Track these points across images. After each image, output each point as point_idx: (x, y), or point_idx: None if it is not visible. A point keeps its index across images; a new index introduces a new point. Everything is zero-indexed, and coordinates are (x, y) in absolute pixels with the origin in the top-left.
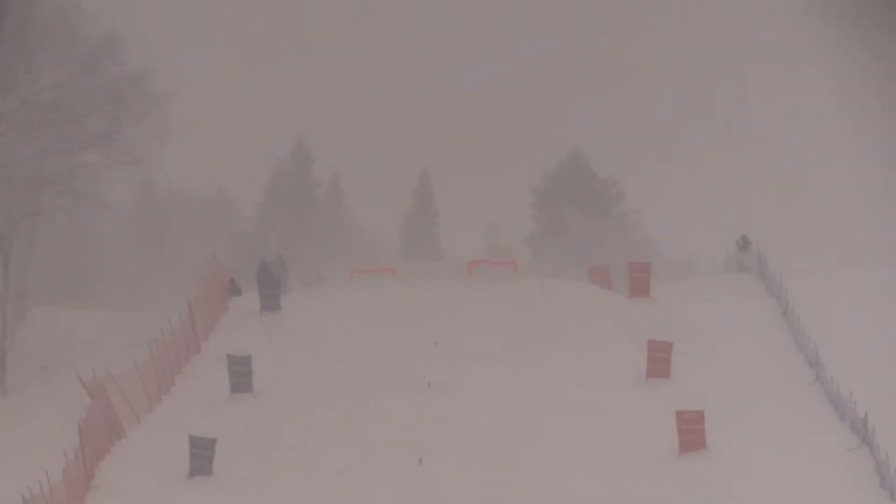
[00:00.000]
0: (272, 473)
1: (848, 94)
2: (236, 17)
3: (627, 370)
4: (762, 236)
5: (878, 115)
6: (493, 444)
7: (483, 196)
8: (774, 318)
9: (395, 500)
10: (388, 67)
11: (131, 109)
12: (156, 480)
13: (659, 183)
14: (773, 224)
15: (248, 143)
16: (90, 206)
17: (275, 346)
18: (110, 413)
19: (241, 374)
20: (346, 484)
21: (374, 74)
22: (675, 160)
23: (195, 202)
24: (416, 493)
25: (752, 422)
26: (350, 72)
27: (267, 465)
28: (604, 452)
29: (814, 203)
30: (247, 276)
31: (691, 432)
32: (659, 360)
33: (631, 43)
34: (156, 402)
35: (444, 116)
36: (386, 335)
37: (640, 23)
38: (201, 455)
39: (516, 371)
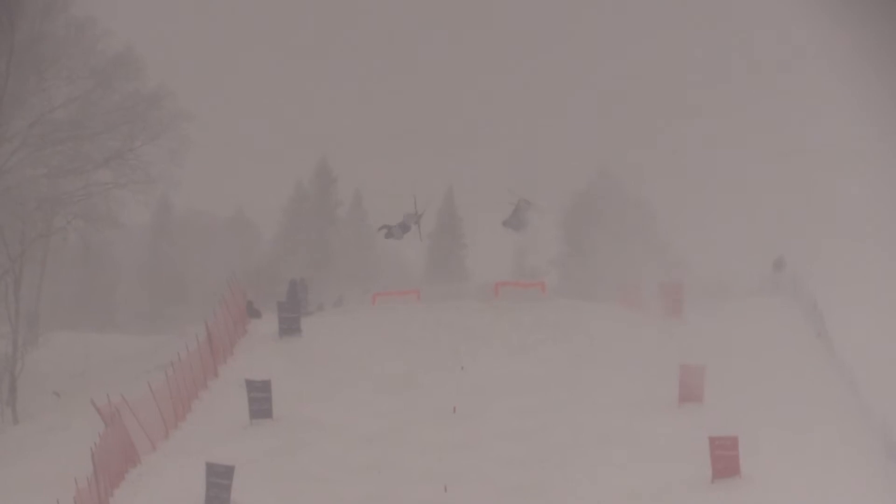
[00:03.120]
0: (292, 503)
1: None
2: (257, 34)
3: (659, 395)
4: (798, 258)
5: None
6: (521, 472)
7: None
8: (809, 341)
9: None
10: (412, 85)
11: (147, 127)
12: None
13: (692, 203)
14: (809, 245)
15: (268, 163)
16: (104, 226)
17: (295, 370)
18: (125, 440)
19: (260, 400)
20: None
21: (397, 93)
22: (708, 179)
23: (213, 223)
24: None
25: (787, 448)
26: (374, 90)
27: (287, 494)
28: (635, 480)
29: (851, 225)
30: (266, 299)
31: (725, 458)
32: (691, 385)
33: (661, 60)
34: (172, 428)
35: (470, 135)
36: (410, 360)
37: (668, 40)
38: (219, 483)
39: (544, 397)
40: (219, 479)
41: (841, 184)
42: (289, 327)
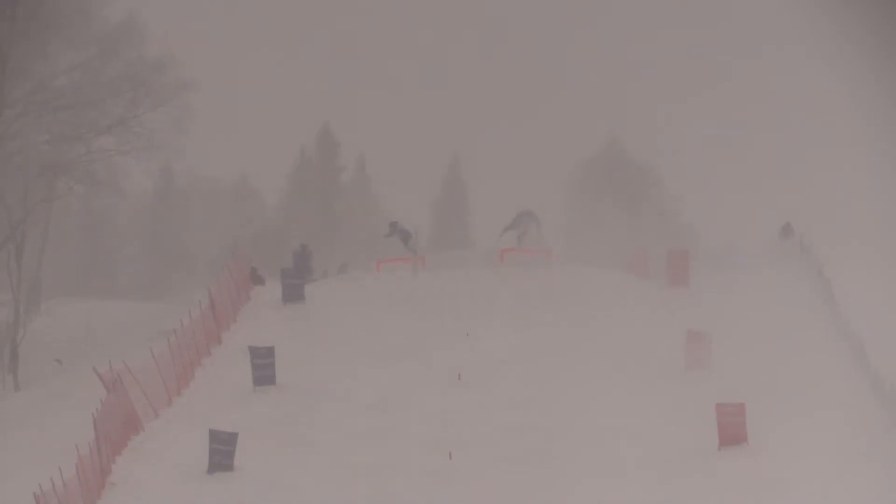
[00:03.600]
0: (296, 470)
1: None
2: (261, 1)
3: (665, 362)
4: (805, 224)
5: None
6: (526, 439)
7: (516, 183)
8: (816, 307)
9: (424, 497)
10: (418, 51)
11: (150, 94)
12: (174, 476)
13: (699, 170)
14: (815, 212)
15: (271, 130)
16: (107, 193)
17: (298, 337)
18: (127, 407)
19: (263, 367)
20: (374, 481)
21: (403, 58)
22: (715, 146)
23: (217, 190)
24: (447, 490)
25: (795, 414)
26: (377, 55)
27: (290, 461)
28: (641, 447)
29: (860, 191)
30: (270, 266)
31: (732, 425)
32: (697, 352)
33: (668, 28)
34: (175, 395)
35: (477, 101)
36: (414, 327)
37: (676, 9)
38: (222, 450)
39: (550, 364)
40: (222, 446)
41: (848, 151)
42: (292, 294)
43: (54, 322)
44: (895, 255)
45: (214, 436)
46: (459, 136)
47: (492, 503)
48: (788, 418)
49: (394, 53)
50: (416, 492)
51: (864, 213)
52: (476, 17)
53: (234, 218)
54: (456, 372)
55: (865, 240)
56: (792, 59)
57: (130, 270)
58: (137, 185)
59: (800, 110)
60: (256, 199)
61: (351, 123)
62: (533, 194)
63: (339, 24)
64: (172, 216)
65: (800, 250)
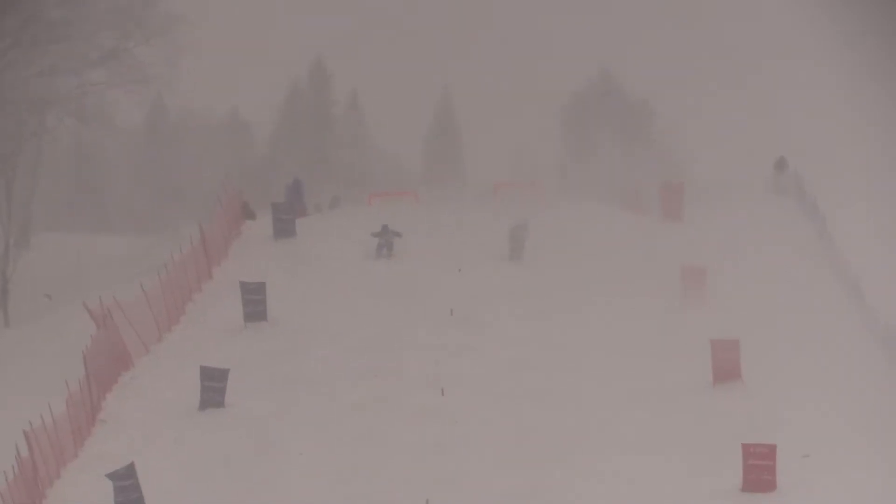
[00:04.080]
0: (287, 407)
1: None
2: None
3: (659, 297)
4: (800, 159)
5: None
6: (519, 375)
7: (508, 116)
8: (811, 242)
9: (416, 433)
10: None
11: (142, 27)
12: (165, 413)
13: (693, 104)
14: (811, 146)
15: (263, 62)
16: (98, 126)
17: (290, 273)
18: (118, 343)
19: (254, 303)
20: (366, 418)
21: None
22: (709, 80)
23: (208, 124)
24: (440, 427)
25: (789, 350)
26: None
27: (282, 398)
28: (635, 383)
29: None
30: (261, 200)
31: (726, 361)
32: (692, 286)
33: None
34: (165, 331)
35: (468, 33)
36: (406, 262)
37: None
38: (213, 387)
39: (542, 300)
40: (213, 383)
41: (843, 84)
42: (284, 229)
43: (44, 257)
44: (890, 189)
45: (205, 372)
46: (451, 70)
47: (485, 440)
48: (783, 354)
49: None
50: (408, 428)
51: (859, 147)
52: None
53: (225, 152)
54: (448, 308)
55: (861, 174)
56: None
57: (121, 205)
58: (129, 120)
59: (798, 42)
60: (248, 133)
61: (343, 57)
62: (525, 128)
63: None
64: (163, 151)
65: (794, 184)
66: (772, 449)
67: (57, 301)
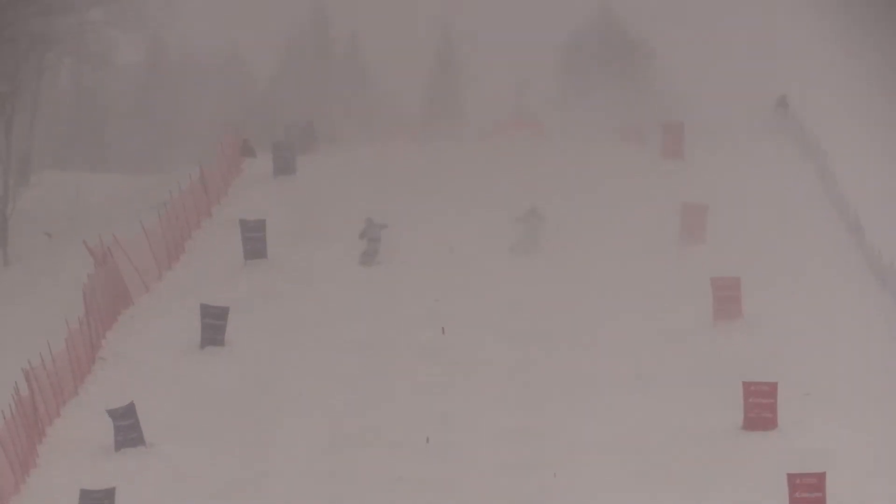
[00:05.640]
0: (288, 345)
1: None
2: None
3: (660, 235)
4: (801, 97)
5: None
6: (521, 315)
7: (508, 56)
8: (812, 180)
9: (416, 371)
10: None
11: None
12: (165, 351)
13: (692, 41)
14: (811, 85)
15: (263, 1)
16: (97, 65)
17: (290, 210)
18: (117, 281)
19: (254, 240)
20: (367, 355)
21: None
22: (710, 17)
23: (208, 63)
24: (440, 366)
25: (790, 288)
26: None
27: (283, 335)
28: (636, 322)
29: (855, 63)
30: (262, 139)
31: (727, 299)
32: (693, 225)
33: None
34: (165, 269)
35: None
36: (407, 199)
37: None
38: (213, 325)
39: (542, 239)
40: (213, 321)
41: (845, 23)
42: (284, 166)
43: (44, 195)
44: (891, 127)
45: (206, 310)
46: (451, 7)
47: (485, 378)
48: (784, 293)
49: None
50: (408, 366)
51: (861, 86)
52: None
53: (225, 91)
54: (448, 246)
55: (862, 113)
56: None
57: (121, 144)
58: (128, 59)
59: None
60: (248, 72)
61: None
62: (525, 66)
63: None
64: (163, 89)
65: (795, 122)
66: (773, 387)
67: (56, 239)
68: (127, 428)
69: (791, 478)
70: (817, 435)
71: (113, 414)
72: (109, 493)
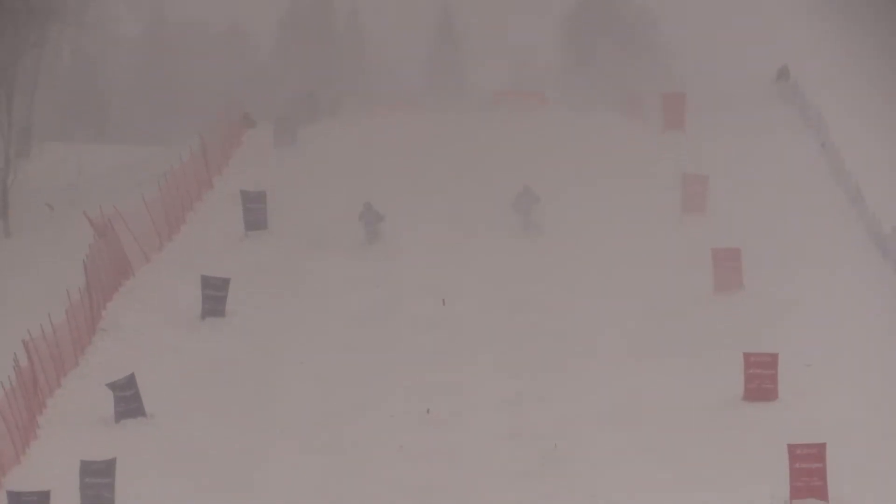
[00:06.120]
0: (289, 316)
1: None
2: None
3: (661, 206)
4: (802, 67)
5: None
6: (520, 286)
7: (509, 25)
8: (813, 150)
9: (417, 342)
10: None
11: None
12: (166, 322)
13: (694, 11)
14: (812, 56)
15: None
16: (98, 37)
17: (291, 181)
18: (118, 252)
19: (255, 211)
20: (367, 326)
21: None
22: None
23: (208, 34)
24: (440, 336)
25: (791, 259)
26: None
27: (283, 307)
28: (635, 292)
29: (855, 35)
30: (262, 110)
31: (727, 270)
32: (694, 195)
33: None
34: (166, 240)
35: None
36: (408, 169)
37: None
38: (214, 296)
39: (542, 206)
40: (214, 292)
41: None
42: (285, 138)
43: (45, 166)
44: (892, 97)
45: (206, 281)
46: None
47: (485, 348)
48: (785, 263)
49: None
50: (408, 336)
51: (861, 55)
52: None
53: (226, 62)
54: (449, 216)
55: (863, 83)
56: None
57: (122, 115)
58: (129, 30)
59: None
60: (249, 43)
61: None
62: (527, 35)
63: None
64: (164, 61)
65: (797, 93)
66: (773, 358)
67: (58, 211)
68: (127, 399)
69: (792, 448)
70: (818, 406)
71: (113, 386)
72: (110, 464)
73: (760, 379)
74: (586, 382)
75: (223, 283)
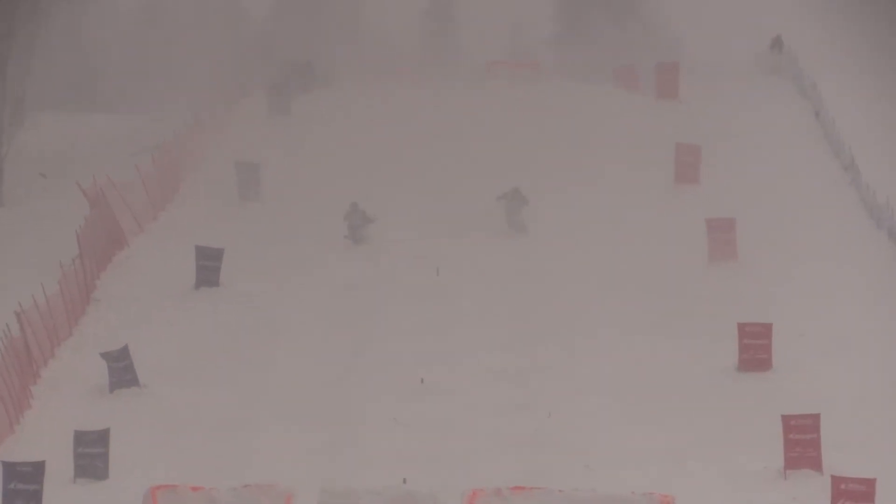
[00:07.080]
0: (282, 286)
1: None
2: None
3: (654, 175)
4: (796, 36)
5: None
6: (514, 256)
7: None
8: (807, 120)
9: (411, 312)
10: None
11: None
12: (160, 292)
13: None
14: (807, 24)
15: None
16: (91, 5)
17: (285, 151)
18: (112, 222)
19: (249, 181)
20: (361, 296)
21: None
22: None
23: (203, 4)
24: (435, 306)
25: (785, 229)
26: None
27: (277, 277)
28: (628, 263)
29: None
30: (257, 78)
31: (722, 241)
32: (687, 165)
33: None
34: (160, 210)
35: None
36: (403, 137)
37: None
38: (208, 266)
39: (536, 178)
40: (208, 262)
41: None
42: (278, 107)
43: (38, 136)
44: (887, 67)
45: (200, 251)
46: None
47: (480, 319)
48: (779, 233)
49: None
50: (403, 307)
51: (855, 24)
52: None
53: (221, 30)
54: (442, 186)
55: (856, 53)
56: None
57: (116, 85)
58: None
59: None
60: (243, 10)
61: None
62: (522, 4)
63: None
64: (158, 29)
65: (791, 63)
66: (767, 328)
67: (51, 181)
68: (121, 369)
69: (786, 419)
70: (812, 376)
71: (107, 356)
72: (104, 434)
73: (754, 349)
74: (581, 352)
75: (217, 254)
